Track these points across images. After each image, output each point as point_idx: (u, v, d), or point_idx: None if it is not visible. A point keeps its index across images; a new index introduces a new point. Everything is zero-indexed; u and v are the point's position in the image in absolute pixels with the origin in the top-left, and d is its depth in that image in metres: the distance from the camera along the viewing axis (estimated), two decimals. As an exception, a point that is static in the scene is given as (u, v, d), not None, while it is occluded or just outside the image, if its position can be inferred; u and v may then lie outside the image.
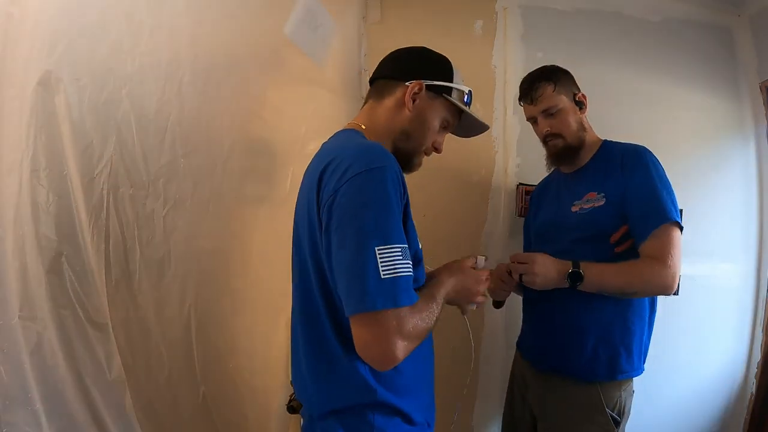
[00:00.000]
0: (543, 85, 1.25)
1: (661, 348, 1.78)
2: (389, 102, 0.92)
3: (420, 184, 1.77)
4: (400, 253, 0.70)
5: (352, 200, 0.71)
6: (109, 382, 0.94)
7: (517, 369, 1.42)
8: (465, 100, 0.96)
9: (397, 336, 0.70)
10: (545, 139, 1.29)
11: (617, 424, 1.16)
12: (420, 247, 0.90)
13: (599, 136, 1.32)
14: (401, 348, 0.70)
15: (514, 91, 1.78)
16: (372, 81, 0.98)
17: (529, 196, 1.76)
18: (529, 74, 1.30)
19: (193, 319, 1.16)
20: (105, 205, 0.94)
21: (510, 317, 1.74)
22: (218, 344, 1.27)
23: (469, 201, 1.76)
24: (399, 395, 0.82)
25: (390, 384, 0.81)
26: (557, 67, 1.29)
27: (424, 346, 0.87)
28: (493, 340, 1.77)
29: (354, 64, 1.75)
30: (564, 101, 1.24)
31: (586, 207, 1.23)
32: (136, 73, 0.97)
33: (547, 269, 1.12)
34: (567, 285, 1.12)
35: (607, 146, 1.28)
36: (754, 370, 1.88)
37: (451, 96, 0.93)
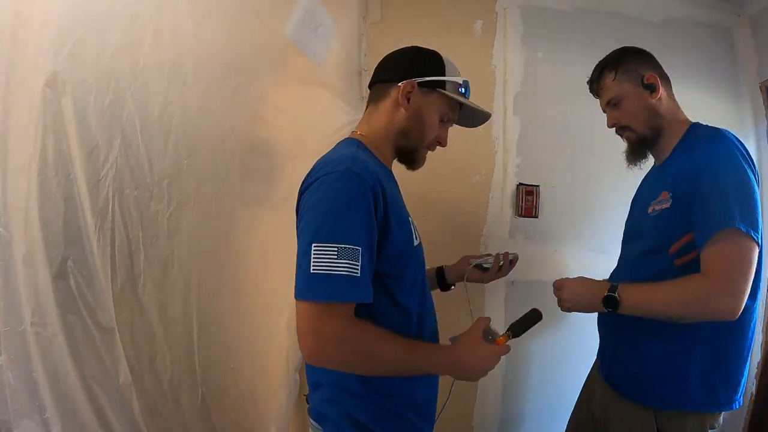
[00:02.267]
0: (605, 74, 1.14)
1: (661, 348, 1.78)
2: (385, 105, 0.94)
3: (420, 184, 1.77)
4: (335, 252, 0.72)
5: (307, 203, 0.79)
6: (117, 386, 0.94)
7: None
8: (461, 90, 0.96)
9: (311, 331, 0.73)
10: (617, 133, 1.16)
11: None
12: (417, 243, 0.92)
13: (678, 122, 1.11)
14: (315, 346, 0.73)
15: (515, 90, 1.78)
16: (370, 87, 1.00)
17: (529, 196, 1.76)
18: (598, 62, 1.19)
19: (195, 320, 1.16)
20: (110, 207, 0.94)
21: (510, 317, 1.74)
22: (219, 344, 1.28)
23: (469, 201, 1.76)
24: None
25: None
26: (626, 48, 1.15)
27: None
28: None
29: (354, 64, 1.75)
30: (626, 89, 1.09)
31: (657, 209, 1.05)
32: (141, 74, 0.97)
33: (577, 294, 1.04)
34: (605, 310, 0.99)
35: (692, 132, 1.07)
36: (754, 370, 1.88)
37: (445, 89, 0.94)
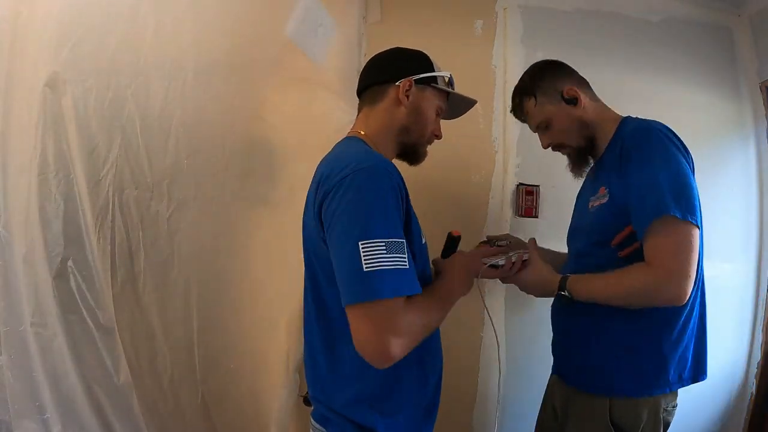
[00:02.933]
0: (524, 101, 1.15)
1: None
2: (383, 105, 0.97)
3: (420, 184, 1.77)
4: (384, 247, 0.71)
5: (339, 204, 0.75)
6: (117, 386, 0.94)
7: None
8: (448, 83, 1.02)
9: (388, 329, 0.71)
10: (553, 150, 1.18)
11: None
12: (425, 242, 0.95)
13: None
14: (395, 343, 0.71)
15: (515, 91, 1.79)
16: (360, 92, 1.03)
17: (529, 196, 1.76)
18: (515, 86, 1.20)
19: (195, 320, 1.16)
20: (111, 207, 0.94)
21: (509, 316, 1.74)
22: (219, 344, 1.28)
23: (469, 201, 1.76)
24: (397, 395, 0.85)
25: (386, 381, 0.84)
26: (535, 68, 1.16)
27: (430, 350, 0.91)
28: (492, 340, 1.77)
29: (354, 64, 1.75)
30: (550, 110, 1.11)
31: (596, 204, 1.08)
32: (141, 74, 0.98)
33: (531, 283, 1.07)
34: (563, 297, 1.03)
35: (622, 126, 1.08)
36: (754, 370, 1.88)
37: (437, 84, 0.99)
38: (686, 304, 0.96)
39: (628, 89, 1.79)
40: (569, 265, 1.20)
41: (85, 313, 0.88)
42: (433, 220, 1.76)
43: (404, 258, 0.73)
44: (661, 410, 1.02)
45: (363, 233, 0.71)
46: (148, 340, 1.05)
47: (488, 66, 1.77)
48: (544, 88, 1.12)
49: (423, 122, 0.98)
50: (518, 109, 1.18)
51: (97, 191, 0.91)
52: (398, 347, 0.71)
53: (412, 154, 1.02)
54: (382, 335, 0.70)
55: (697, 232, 0.91)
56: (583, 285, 1.01)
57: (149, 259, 1.03)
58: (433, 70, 0.99)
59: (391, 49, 1.03)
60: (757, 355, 1.88)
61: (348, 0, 1.70)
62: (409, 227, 0.82)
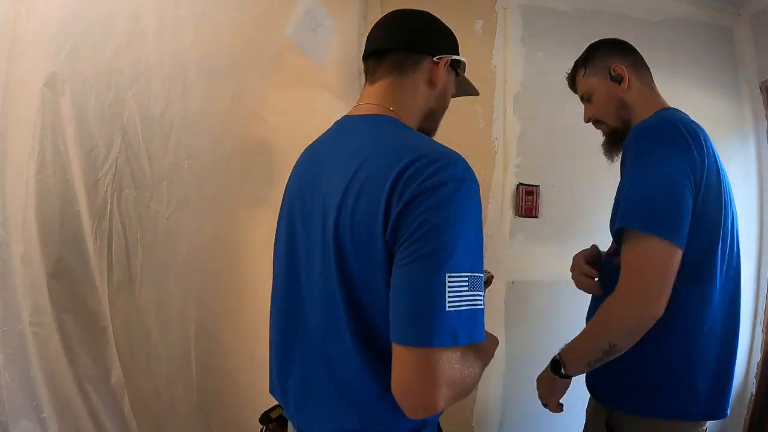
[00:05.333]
0: (577, 71, 1.14)
1: (661, 348, 1.78)
2: (416, 79, 0.80)
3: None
4: (466, 283, 0.58)
5: (433, 216, 0.59)
6: (110, 386, 0.93)
7: None
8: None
9: (448, 382, 0.57)
10: (595, 127, 1.14)
11: None
12: None
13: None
14: (446, 396, 0.57)
15: (515, 90, 1.78)
16: (383, 53, 0.80)
17: (529, 196, 1.76)
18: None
19: (192, 321, 1.16)
20: (109, 207, 0.93)
21: (509, 317, 1.74)
22: (216, 344, 1.27)
23: (469, 201, 1.76)
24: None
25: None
26: (597, 43, 1.13)
27: None
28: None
29: (354, 64, 1.75)
30: (594, 83, 1.09)
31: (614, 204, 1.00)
32: (142, 74, 0.97)
33: (541, 389, 1.02)
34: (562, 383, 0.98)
35: (649, 118, 0.99)
36: (754, 370, 1.88)
37: (461, 70, 0.88)
38: (694, 327, 0.87)
39: (628, 89, 1.79)
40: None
41: (78, 312, 0.88)
42: (433, 220, 1.76)
43: (481, 297, 0.60)
44: None
45: (454, 264, 0.57)
46: (144, 339, 1.05)
47: (488, 66, 1.77)
48: (594, 61, 1.10)
49: (444, 108, 0.87)
50: (571, 80, 1.17)
51: (95, 191, 0.91)
52: (448, 401, 0.58)
53: None
54: (440, 387, 0.56)
55: (665, 246, 0.80)
56: (569, 354, 0.94)
57: (147, 259, 1.03)
58: (459, 53, 0.86)
59: (422, 13, 0.86)
60: (757, 355, 1.88)
61: (348, 0, 1.70)
62: None
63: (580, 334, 0.94)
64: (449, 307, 0.56)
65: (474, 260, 0.60)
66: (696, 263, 0.86)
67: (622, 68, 1.06)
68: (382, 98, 0.79)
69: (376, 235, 0.62)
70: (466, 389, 0.62)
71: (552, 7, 1.79)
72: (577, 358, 0.93)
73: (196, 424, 1.19)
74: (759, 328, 1.89)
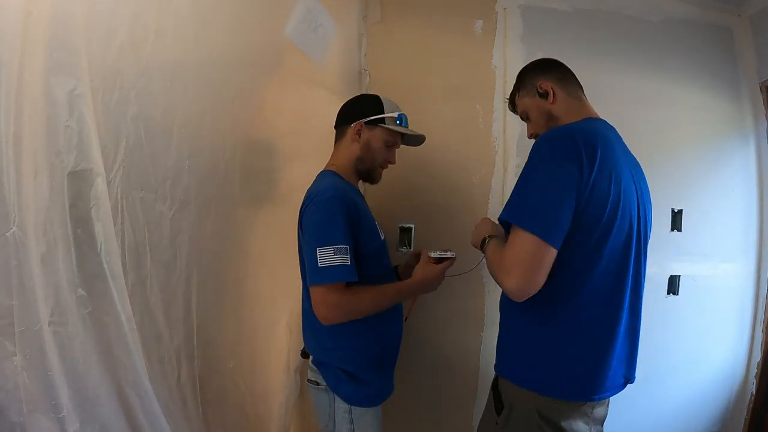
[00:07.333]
0: (514, 94, 1.25)
1: (662, 348, 1.78)
2: (344, 142, 1.29)
3: (421, 185, 1.77)
4: (332, 251, 1.08)
5: (308, 221, 1.14)
6: (144, 387, 0.93)
7: None
8: (397, 122, 1.28)
9: (323, 303, 1.10)
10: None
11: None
12: (383, 238, 1.30)
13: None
14: (331, 312, 1.10)
15: (514, 91, 1.79)
16: (335, 128, 1.33)
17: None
18: None
19: (194, 320, 1.16)
20: (120, 209, 0.93)
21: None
22: (219, 344, 1.28)
23: (469, 201, 1.76)
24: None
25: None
26: (528, 65, 1.24)
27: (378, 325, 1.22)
28: (493, 340, 1.77)
29: (354, 64, 1.75)
30: (527, 102, 1.20)
31: None
32: (143, 75, 0.97)
33: (477, 228, 1.22)
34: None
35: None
36: (754, 370, 1.88)
37: (385, 123, 1.27)
38: (550, 317, 1.01)
39: (628, 89, 1.79)
40: None
41: (101, 313, 0.87)
42: (434, 220, 1.76)
43: (347, 257, 1.08)
44: (549, 415, 1.00)
45: (318, 242, 1.09)
46: (157, 342, 1.05)
47: (488, 66, 1.77)
48: (525, 82, 1.21)
49: (373, 153, 1.27)
50: (511, 103, 1.29)
51: (110, 192, 0.90)
52: (332, 313, 1.10)
53: (368, 177, 1.31)
54: (321, 305, 1.10)
55: (537, 242, 0.91)
56: (491, 247, 1.09)
57: (155, 261, 1.03)
58: (383, 112, 1.26)
59: (354, 97, 1.35)
60: (757, 355, 1.88)
61: (348, 0, 1.70)
62: (360, 231, 1.15)
63: (495, 249, 1.06)
64: (320, 264, 1.08)
65: (336, 238, 1.09)
66: (577, 262, 0.97)
67: (547, 84, 1.17)
68: (332, 158, 1.32)
69: (300, 235, 1.22)
70: (352, 309, 1.13)
71: (552, 7, 1.79)
72: (488, 257, 1.09)
73: (200, 424, 1.19)
74: (759, 328, 1.89)
